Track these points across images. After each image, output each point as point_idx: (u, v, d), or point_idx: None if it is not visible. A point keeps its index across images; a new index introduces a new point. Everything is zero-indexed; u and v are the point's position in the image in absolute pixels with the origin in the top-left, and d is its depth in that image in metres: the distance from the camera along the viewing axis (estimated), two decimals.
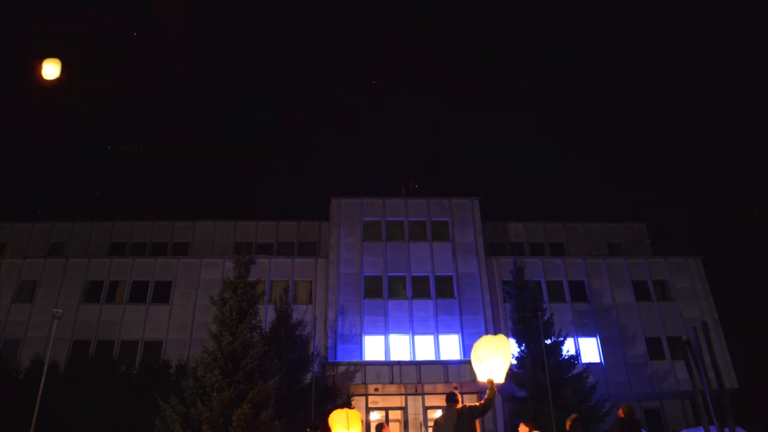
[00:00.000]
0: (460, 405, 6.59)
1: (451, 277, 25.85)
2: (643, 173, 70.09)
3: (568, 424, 8.71)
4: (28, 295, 25.13)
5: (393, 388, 22.70)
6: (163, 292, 25.49)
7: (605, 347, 25.06)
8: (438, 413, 23.18)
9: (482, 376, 6.44)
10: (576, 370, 21.03)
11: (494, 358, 6.35)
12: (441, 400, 23.09)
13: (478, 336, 24.22)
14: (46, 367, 15.67)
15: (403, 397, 23.32)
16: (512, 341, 22.68)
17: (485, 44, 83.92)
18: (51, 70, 9.71)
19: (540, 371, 19.90)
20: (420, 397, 23.28)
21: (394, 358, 23.54)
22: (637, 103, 77.75)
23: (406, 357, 23.72)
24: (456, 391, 6.88)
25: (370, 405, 23.11)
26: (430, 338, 24.41)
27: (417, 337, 24.38)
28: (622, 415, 8.68)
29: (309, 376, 20.05)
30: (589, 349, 24.93)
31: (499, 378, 6.35)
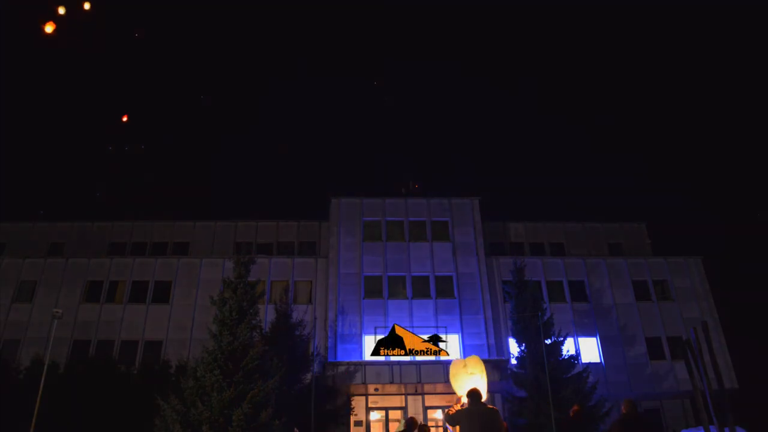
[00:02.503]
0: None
1: (451, 277, 25.84)
2: (643, 173, 70.10)
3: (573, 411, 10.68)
4: (28, 295, 25.14)
5: (393, 388, 22.70)
6: (163, 292, 25.51)
7: (605, 347, 25.08)
8: (438, 413, 23.20)
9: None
10: (576, 370, 21.05)
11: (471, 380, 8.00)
12: (441, 400, 23.09)
13: (478, 335, 24.36)
14: (46, 367, 15.68)
15: (403, 396, 23.33)
16: (512, 341, 22.71)
17: (485, 44, 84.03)
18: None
19: (540, 371, 19.90)
20: (420, 397, 23.28)
21: (393, 358, 23.53)
22: (637, 102, 77.81)
23: (405, 357, 23.70)
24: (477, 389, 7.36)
25: (370, 405, 23.12)
26: None
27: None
28: (624, 411, 8.68)
29: (309, 376, 20.06)
30: (589, 349, 24.95)
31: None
